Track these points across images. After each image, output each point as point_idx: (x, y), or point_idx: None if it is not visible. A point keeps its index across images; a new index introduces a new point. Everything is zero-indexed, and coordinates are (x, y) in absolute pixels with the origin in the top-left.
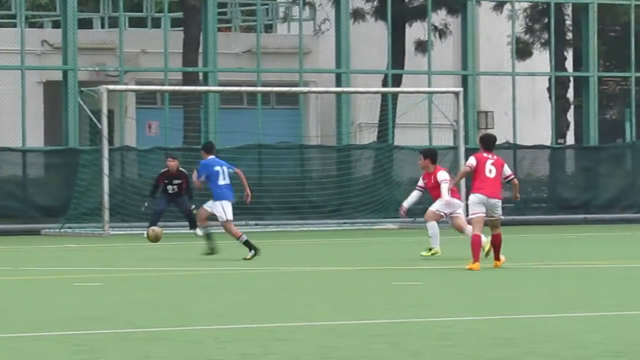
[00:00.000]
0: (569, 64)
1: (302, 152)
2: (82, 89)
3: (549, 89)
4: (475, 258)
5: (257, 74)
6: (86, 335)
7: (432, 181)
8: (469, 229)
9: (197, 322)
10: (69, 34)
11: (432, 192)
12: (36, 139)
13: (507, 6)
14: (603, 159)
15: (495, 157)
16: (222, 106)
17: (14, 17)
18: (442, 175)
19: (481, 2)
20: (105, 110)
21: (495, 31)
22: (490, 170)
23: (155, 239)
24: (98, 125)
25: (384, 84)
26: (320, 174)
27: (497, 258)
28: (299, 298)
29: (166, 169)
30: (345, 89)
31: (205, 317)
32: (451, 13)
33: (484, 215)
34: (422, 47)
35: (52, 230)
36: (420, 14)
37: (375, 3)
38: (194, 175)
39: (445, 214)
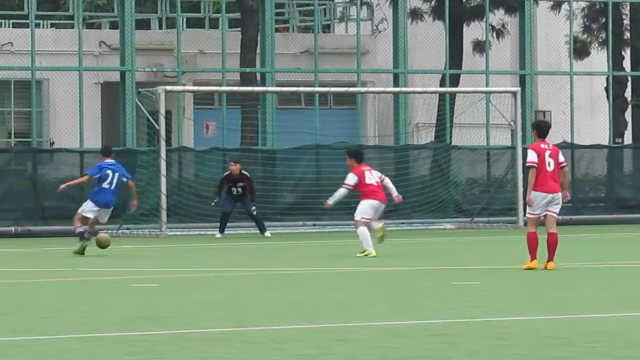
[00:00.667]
0: (626, 64)
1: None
2: (140, 89)
3: (606, 89)
4: (533, 256)
5: (315, 74)
6: (142, 336)
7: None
8: (372, 225)
9: (253, 323)
10: (127, 34)
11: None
12: (94, 140)
13: (565, 6)
14: None
15: (551, 146)
16: (280, 107)
17: (71, 18)
18: (347, 178)
19: (539, 2)
20: (162, 111)
21: (552, 31)
22: (549, 164)
23: (101, 245)
24: (155, 126)
25: (442, 84)
26: None
27: (550, 259)
28: (356, 298)
29: (229, 172)
30: (403, 89)
31: (261, 318)
32: (509, 13)
33: (539, 215)
34: (479, 46)
35: (109, 231)
36: (478, 13)
37: (433, 3)
38: (86, 172)
39: (369, 218)
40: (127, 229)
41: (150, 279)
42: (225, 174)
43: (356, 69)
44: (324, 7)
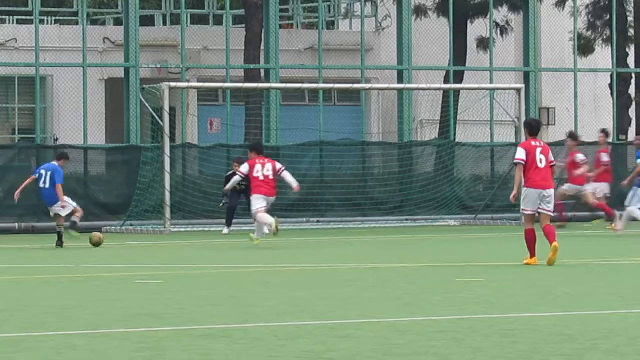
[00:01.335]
0: (630, 61)
1: (363, 149)
2: (144, 86)
3: (610, 86)
4: (532, 253)
5: (319, 71)
6: (147, 332)
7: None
8: (261, 217)
9: (257, 319)
10: (131, 31)
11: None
12: (98, 137)
13: (569, 2)
14: None
15: (542, 143)
16: (284, 103)
17: (76, 14)
18: (241, 167)
19: None
20: (167, 108)
21: (557, 27)
22: (540, 160)
23: (96, 243)
24: (160, 122)
25: (446, 81)
26: (381, 170)
27: (553, 240)
28: (361, 295)
29: (232, 171)
30: (407, 86)
31: (265, 314)
32: (513, 10)
33: (534, 212)
34: (484, 43)
35: (113, 227)
36: (482, 10)
37: (437, 0)
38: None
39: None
40: (131, 225)
41: (154, 276)
42: (229, 173)
43: (360, 66)
44: (328, 3)
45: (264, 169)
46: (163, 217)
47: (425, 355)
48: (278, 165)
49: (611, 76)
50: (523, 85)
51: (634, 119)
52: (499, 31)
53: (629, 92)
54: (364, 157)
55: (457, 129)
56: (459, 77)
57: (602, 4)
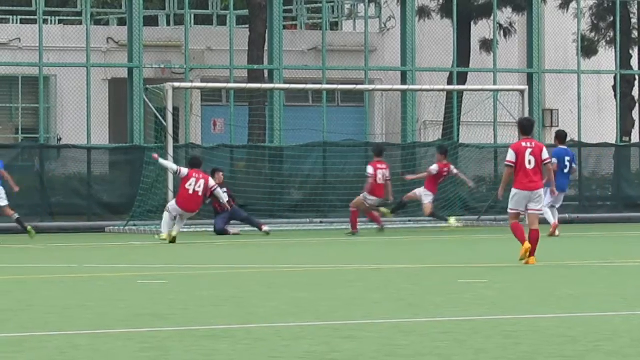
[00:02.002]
0: (634, 62)
1: (367, 150)
2: (148, 86)
3: (614, 87)
4: (522, 240)
5: (323, 72)
6: (150, 332)
7: None
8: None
9: (260, 320)
10: (135, 31)
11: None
12: (101, 137)
13: (573, 4)
14: None
15: (534, 143)
16: (288, 104)
17: (79, 14)
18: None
19: (547, 0)
20: (170, 108)
21: (560, 29)
22: (529, 162)
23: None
24: (163, 122)
25: (449, 82)
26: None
27: (532, 254)
28: (363, 295)
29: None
30: (411, 87)
31: (268, 315)
32: (517, 11)
33: (520, 211)
34: (487, 45)
35: (116, 227)
36: (486, 12)
37: (441, 1)
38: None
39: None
40: (135, 225)
41: (157, 276)
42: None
43: (364, 67)
44: (332, 4)
45: (196, 183)
46: None
47: (428, 356)
48: (211, 183)
49: (615, 78)
50: (526, 87)
51: (637, 121)
52: (502, 32)
53: (633, 93)
54: (367, 158)
55: (460, 130)
56: (462, 79)
57: (605, 5)
